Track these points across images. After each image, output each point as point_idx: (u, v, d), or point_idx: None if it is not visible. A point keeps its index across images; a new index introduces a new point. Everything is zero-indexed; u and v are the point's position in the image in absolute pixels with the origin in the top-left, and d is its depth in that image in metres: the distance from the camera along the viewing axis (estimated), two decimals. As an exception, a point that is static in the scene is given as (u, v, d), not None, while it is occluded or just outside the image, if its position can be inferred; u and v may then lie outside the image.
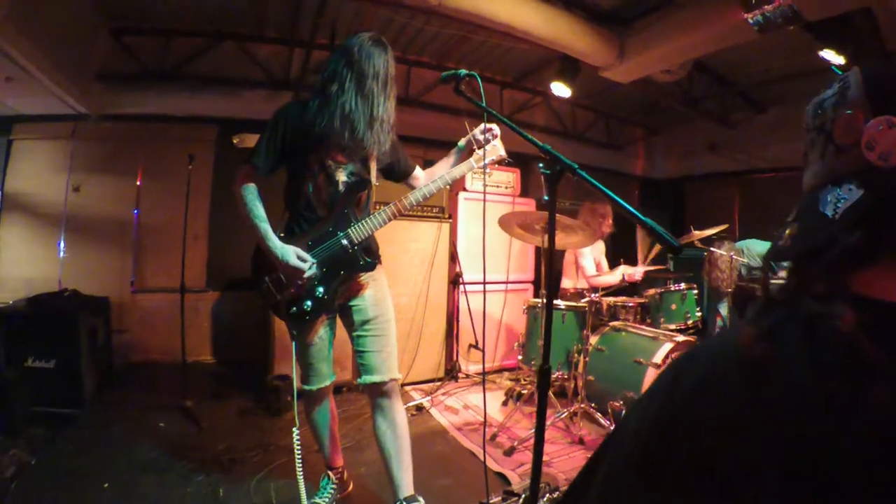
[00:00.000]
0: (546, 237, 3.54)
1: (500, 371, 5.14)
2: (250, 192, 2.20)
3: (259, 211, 2.19)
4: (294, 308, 2.21)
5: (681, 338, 3.48)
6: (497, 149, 2.38)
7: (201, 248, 5.18)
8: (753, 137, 6.57)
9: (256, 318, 4.47)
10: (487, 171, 2.38)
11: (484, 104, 1.89)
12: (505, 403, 4.17)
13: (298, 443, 2.31)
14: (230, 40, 4.94)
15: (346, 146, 2.18)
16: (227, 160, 5.22)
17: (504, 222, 3.70)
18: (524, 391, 4.10)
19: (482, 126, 2.37)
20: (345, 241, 2.22)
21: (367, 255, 2.31)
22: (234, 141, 4.57)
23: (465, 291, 4.81)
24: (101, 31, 4.50)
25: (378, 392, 2.32)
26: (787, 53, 4.90)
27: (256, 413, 3.84)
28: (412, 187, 2.47)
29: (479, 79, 1.95)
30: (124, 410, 3.78)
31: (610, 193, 1.39)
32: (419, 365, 4.62)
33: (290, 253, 2.12)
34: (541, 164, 1.56)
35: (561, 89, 5.06)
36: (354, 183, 2.28)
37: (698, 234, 4.40)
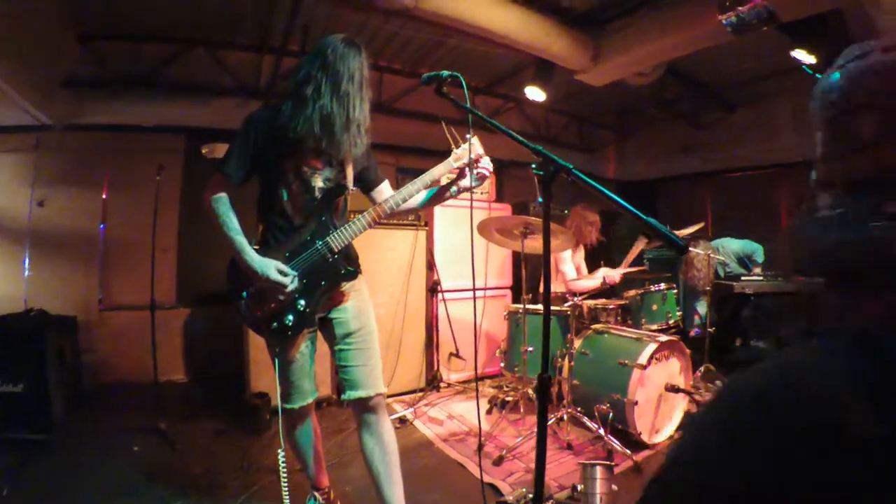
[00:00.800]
0: (525, 241, 3.53)
1: (481, 379, 5.09)
2: (222, 203, 2.09)
3: (232, 223, 2.09)
4: (275, 323, 2.10)
5: (664, 338, 3.48)
6: (475, 146, 2.24)
7: (171, 262, 5.02)
8: (725, 138, 6.69)
9: (231, 334, 4.32)
10: (475, 180, 2.25)
11: (469, 105, 1.84)
12: (489, 412, 4.11)
13: (284, 464, 2.20)
14: (201, 47, 4.81)
15: (322, 150, 2.09)
16: (195, 171, 5.06)
17: (482, 228, 3.67)
18: (508, 398, 4.05)
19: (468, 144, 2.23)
20: (324, 251, 2.13)
21: (348, 264, 2.22)
22: (203, 151, 4.43)
23: (444, 300, 4.75)
24: (68, 36, 4.32)
25: (364, 407, 2.23)
26: (758, 54, 5.01)
27: (235, 433, 3.70)
28: (374, 201, 2.36)
29: (462, 79, 1.90)
30: (96, 434, 3.63)
31: (608, 193, 1.35)
32: (400, 376, 4.53)
33: (270, 267, 2.02)
34: (533, 166, 1.52)
35: (535, 93, 5.07)
36: (331, 188, 2.19)
37: (677, 233, 4.42)
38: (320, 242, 2.13)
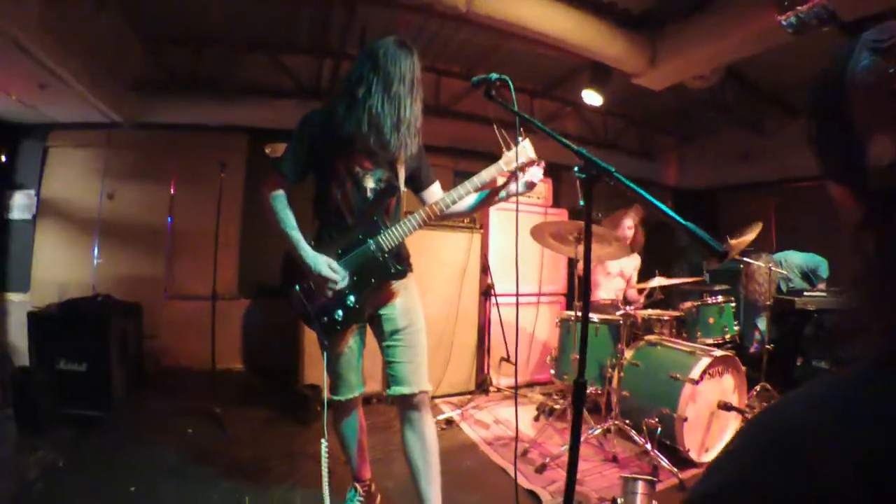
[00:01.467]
0: (579, 248, 3.47)
1: (531, 385, 5.04)
2: (279, 201, 2.18)
3: (289, 219, 2.17)
4: (325, 318, 2.16)
5: (719, 352, 3.34)
6: (526, 150, 2.24)
7: (232, 255, 5.23)
8: (788, 145, 6.36)
9: (286, 327, 4.46)
10: (524, 180, 2.26)
11: (515, 108, 1.84)
12: (537, 419, 4.07)
13: (326, 453, 2.25)
14: (261, 50, 5.00)
15: (372, 150, 2.14)
16: (258, 169, 5.26)
17: (536, 232, 3.64)
18: (556, 406, 4.00)
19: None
20: (374, 249, 2.16)
21: (398, 263, 2.24)
22: (267, 150, 4.59)
23: (497, 304, 4.73)
24: (135, 41, 4.60)
25: (407, 404, 2.26)
26: (821, 56, 4.73)
27: (284, 422, 3.83)
28: (424, 202, 2.38)
29: (510, 83, 1.91)
30: (153, 415, 3.83)
31: (648, 196, 1.32)
32: (449, 377, 4.55)
33: (322, 263, 2.09)
34: (576, 168, 1.51)
35: (592, 97, 5.00)
36: (383, 189, 2.24)
37: (735, 242, 4.25)
38: (371, 241, 2.17)
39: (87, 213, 4.88)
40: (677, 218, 1.20)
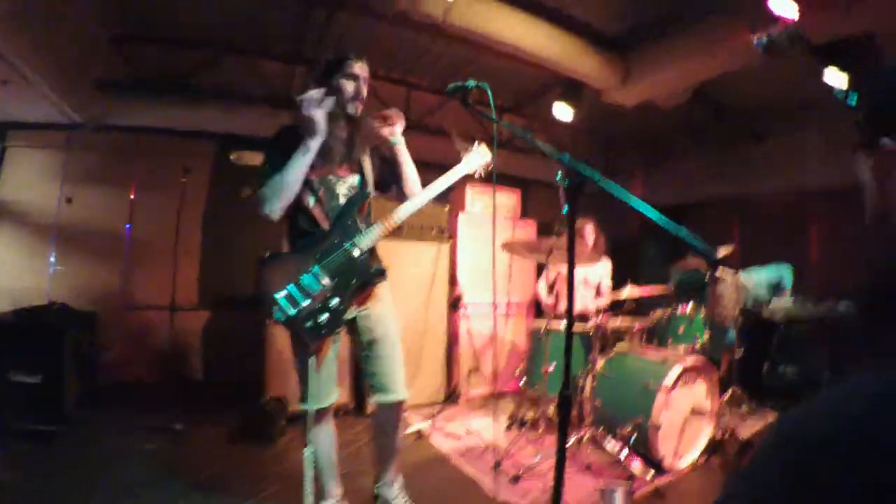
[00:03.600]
0: (551, 255, 3.48)
1: (502, 395, 4.98)
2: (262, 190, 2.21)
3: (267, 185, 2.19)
4: (310, 322, 2.15)
5: (690, 360, 3.37)
6: (482, 154, 2.57)
7: (194, 264, 5.05)
8: (754, 166, 6.59)
9: (249, 338, 4.30)
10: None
11: (494, 116, 1.85)
12: (508, 428, 4.01)
13: (312, 463, 2.21)
14: (235, 54, 4.90)
15: (346, 159, 2.32)
16: (224, 177, 5.14)
17: (508, 246, 3.65)
18: (528, 415, 3.95)
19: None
20: (353, 251, 2.24)
21: (377, 263, 2.36)
22: (232, 157, 4.50)
23: (467, 315, 4.70)
24: (103, 37, 4.42)
25: (388, 410, 2.38)
26: (787, 83, 4.94)
27: (247, 437, 3.65)
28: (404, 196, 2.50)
29: (488, 90, 1.96)
30: (108, 429, 3.62)
31: (635, 204, 1.31)
32: (419, 388, 4.47)
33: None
34: (559, 175, 1.50)
35: (563, 111, 5.06)
36: (356, 195, 2.35)
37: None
38: (348, 244, 2.24)
39: (44, 217, 4.64)
40: (670, 224, 1.19)
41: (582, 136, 7.20)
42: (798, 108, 5.56)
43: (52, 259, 4.52)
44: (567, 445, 3.35)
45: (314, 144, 2.16)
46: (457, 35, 4.04)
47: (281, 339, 4.00)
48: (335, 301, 2.19)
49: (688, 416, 3.32)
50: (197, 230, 5.07)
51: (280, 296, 2.14)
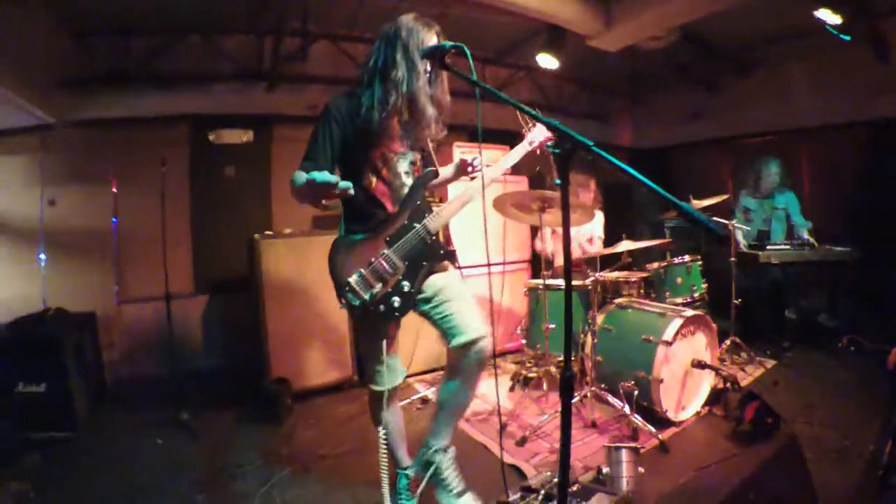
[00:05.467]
0: (544, 216, 3.40)
1: (503, 355, 5.02)
2: (295, 175, 1.96)
3: (298, 176, 1.94)
4: (382, 306, 2.11)
5: (689, 312, 3.36)
6: (543, 130, 2.46)
7: (185, 251, 4.98)
8: (740, 102, 6.47)
9: (248, 321, 4.29)
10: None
11: (475, 77, 1.75)
12: (512, 389, 4.06)
13: (385, 443, 2.24)
14: (195, 34, 4.70)
15: (406, 134, 2.19)
16: (203, 158, 5.02)
17: (498, 204, 3.55)
18: (531, 375, 3.99)
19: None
20: (423, 233, 2.17)
21: (446, 244, 2.32)
22: (211, 137, 4.39)
23: (462, 276, 4.66)
24: (61, 34, 4.26)
25: (468, 350, 2.15)
26: (773, 14, 4.77)
27: (256, 420, 3.69)
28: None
29: (466, 50, 1.85)
30: (120, 429, 3.64)
31: (633, 172, 1.24)
32: (420, 355, 4.45)
33: (318, 173, 1.77)
34: (549, 144, 1.42)
35: (547, 60, 4.90)
36: (425, 173, 2.28)
37: (697, 203, 4.30)
38: (418, 225, 2.17)
39: (29, 223, 4.55)
40: (673, 199, 1.12)
41: (567, 81, 7.02)
42: (784, 39, 5.39)
43: (43, 264, 4.46)
44: (572, 402, 3.41)
45: (298, 189, 1.92)
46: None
47: (279, 319, 4.02)
48: (406, 284, 2.14)
49: (688, 368, 3.34)
50: (185, 215, 4.99)
51: (353, 280, 2.09)
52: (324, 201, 1.83)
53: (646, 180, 1.21)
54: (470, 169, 2.38)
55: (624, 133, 8.14)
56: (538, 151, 2.50)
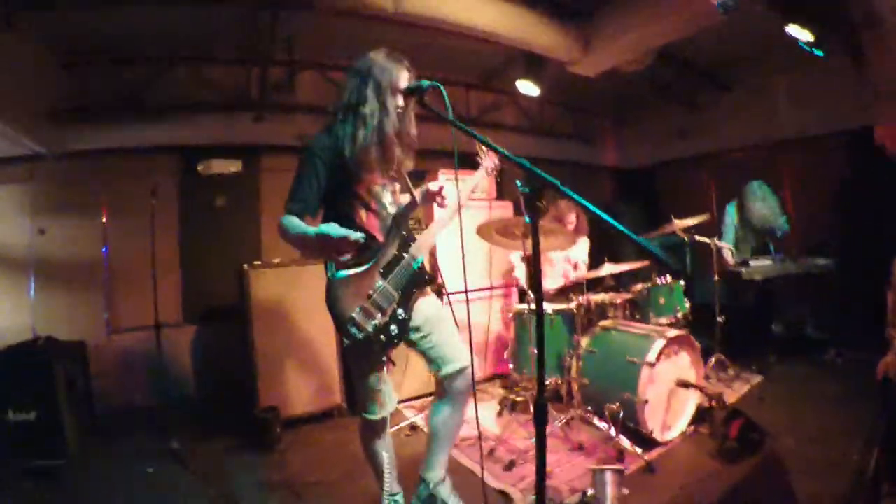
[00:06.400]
0: (527, 242, 3.46)
1: (492, 379, 5.05)
2: (288, 220, 2.01)
3: (296, 224, 1.99)
4: (382, 336, 2.19)
5: (672, 333, 3.42)
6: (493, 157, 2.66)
7: (174, 280, 4.99)
8: (722, 118, 6.59)
9: (237, 349, 4.30)
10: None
11: (451, 116, 1.82)
12: (500, 414, 4.07)
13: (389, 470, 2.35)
14: (183, 65, 4.78)
15: (385, 167, 2.24)
16: (192, 188, 5.06)
17: (482, 231, 3.61)
18: (518, 399, 4.01)
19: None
20: (412, 262, 2.30)
21: (427, 269, 2.39)
22: (199, 168, 4.43)
23: (450, 302, 4.69)
24: (51, 65, 4.32)
25: (454, 380, 2.33)
26: (750, 33, 4.89)
27: (247, 449, 3.70)
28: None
29: (443, 90, 1.96)
30: (110, 458, 3.64)
31: (594, 209, 1.31)
32: (409, 382, 4.50)
33: (330, 227, 1.83)
34: (518, 182, 1.49)
35: (528, 87, 5.01)
36: (407, 204, 2.38)
37: (679, 223, 4.38)
38: (406, 255, 2.30)
39: (19, 252, 4.56)
40: (628, 232, 1.19)
41: (551, 104, 7.14)
42: (763, 56, 5.52)
43: (31, 293, 4.47)
44: (558, 426, 3.44)
45: (308, 241, 1.94)
46: (410, 22, 3.97)
47: (268, 347, 4.04)
48: (400, 311, 2.23)
49: (673, 388, 3.38)
50: (173, 245, 5.00)
51: (356, 315, 2.14)
52: (342, 258, 1.92)
53: (604, 215, 1.27)
54: (439, 199, 2.42)
55: (610, 153, 8.24)
56: (495, 175, 2.72)
